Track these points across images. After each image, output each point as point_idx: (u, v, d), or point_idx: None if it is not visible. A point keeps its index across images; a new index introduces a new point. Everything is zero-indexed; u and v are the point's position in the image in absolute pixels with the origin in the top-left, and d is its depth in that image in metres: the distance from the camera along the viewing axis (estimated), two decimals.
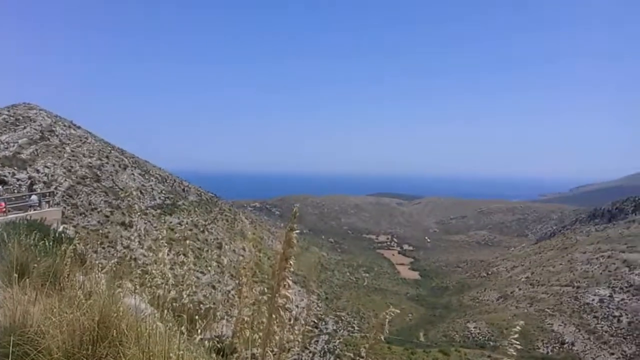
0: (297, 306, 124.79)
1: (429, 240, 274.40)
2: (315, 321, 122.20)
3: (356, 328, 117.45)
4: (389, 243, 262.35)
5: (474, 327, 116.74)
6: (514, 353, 5.55)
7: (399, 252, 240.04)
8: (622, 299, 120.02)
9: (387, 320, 6.26)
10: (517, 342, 5.63)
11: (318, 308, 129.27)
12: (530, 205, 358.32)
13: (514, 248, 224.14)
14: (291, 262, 6.16)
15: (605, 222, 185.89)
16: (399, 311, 6.65)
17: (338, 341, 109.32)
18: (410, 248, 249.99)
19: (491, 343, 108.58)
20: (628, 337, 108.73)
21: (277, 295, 6.02)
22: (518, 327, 5.74)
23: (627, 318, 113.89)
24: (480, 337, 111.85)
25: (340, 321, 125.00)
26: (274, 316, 5.97)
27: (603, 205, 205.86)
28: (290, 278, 6.16)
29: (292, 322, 7.12)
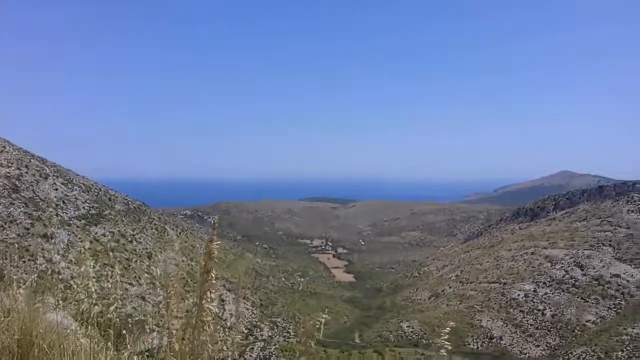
0: (231, 315, 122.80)
1: (363, 243, 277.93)
2: (251, 329, 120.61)
3: (292, 334, 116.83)
4: (323, 247, 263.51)
5: (407, 327, 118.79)
6: (445, 354, 5.78)
7: (334, 256, 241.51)
8: (546, 294, 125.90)
9: (316, 324, 6.57)
10: (448, 344, 5.90)
11: (253, 315, 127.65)
12: (459, 206, 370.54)
13: (444, 248, 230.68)
14: (213, 275, 6.14)
15: (528, 220, 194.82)
16: (327, 317, 6.73)
17: (274, 347, 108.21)
18: (345, 251, 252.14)
19: (424, 341, 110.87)
20: (552, 329, 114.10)
21: (201, 309, 6.01)
22: (448, 329, 6.10)
23: (551, 311, 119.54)
24: (414, 336, 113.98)
25: (276, 327, 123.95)
26: (200, 330, 5.98)
27: (526, 204, 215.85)
28: (214, 291, 6.13)
29: (224, 332, 7.04)
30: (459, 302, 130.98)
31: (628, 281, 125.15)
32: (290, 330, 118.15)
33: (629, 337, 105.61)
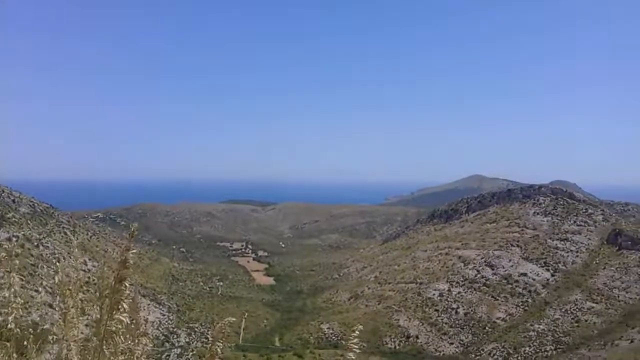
0: (146, 321, 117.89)
1: (283, 245, 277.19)
2: (167, 335, 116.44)
3: (210, 339, 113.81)
4: (243, 250, 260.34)
5: (327, 328, 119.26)
6: (353, 358, 6.02)
7: (254, 259, 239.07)
8: (459, 292, 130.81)
9: (224, 329, 6.43)
10: (356, 346, 6.14)
11: (169, 321, 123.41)
12: (377, 208, 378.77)
13: (363, 249, 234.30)
14: (127, 284, 6.01)
15: (442, 222, 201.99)
16: (235, 319, 6.66)
17: (191, 354, 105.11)
18: (265, 254, 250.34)
19: (344, 342, 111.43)
20: (465, 327, 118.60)
21: (111, 319, 5.81)
22: (357, 332, 6.28)
23: (464, 309, 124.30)
24: (334, 337, 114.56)
25: (193, 333, 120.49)
26: (107, 340, 5.80)
27: (441, 206, 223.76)
28: (127, 301, 5.99)
29: (136, 341, 6.81)
30: (377, 303, 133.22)
31: (534, 279, 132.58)
32: (208, 336, 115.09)
33: (535, 333, 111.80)
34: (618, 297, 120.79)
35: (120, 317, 5.81)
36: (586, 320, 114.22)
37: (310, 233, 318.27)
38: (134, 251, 6.04)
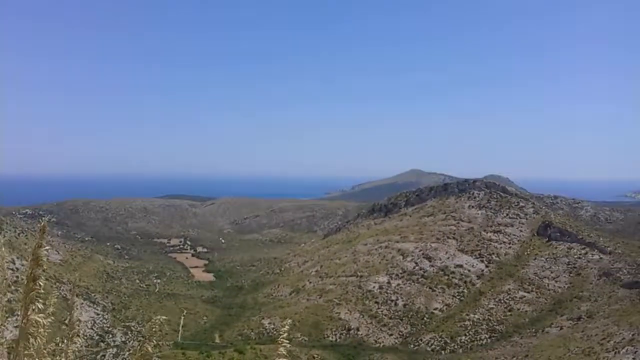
0: (79, 321, 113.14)
1: (223, 241, 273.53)
2: (102, 334, 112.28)
3: (140, 338, 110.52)
4: (181, 246, 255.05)
5: (268, 323, 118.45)
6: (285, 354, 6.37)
7: (193, 255, 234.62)
8: (398, 284, 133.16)
9: (154, 327, 6.79)
10: (287, 341, 6.58)
11: (104, 320, 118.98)
12: (318, 202, 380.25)
13: (305, 244, 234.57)
14: (41, 283, 5.89)
15: (382, 215, 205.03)
16: (166, 318, 6.73)
17: (128, 353, 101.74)
18: (205, 250, 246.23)
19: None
20: (404, 318, 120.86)
21: (26, 320, 5.61)
22: (287, 326, 6.85)
23: (403, 301, 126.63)
24: (275, 332, 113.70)
25: (129, 332, 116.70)
26: (25, 343, 5.55)
27: (380, 200, 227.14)
28: (41, 300, 5.81)
29: (67, 341, 6.78)
30: (318, 297, 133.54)
31: (469, 270, 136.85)
32: (145, 334, 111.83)
33: (471, 322, 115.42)
34: (548, 286, 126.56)
35: (36, 317, 5.60)
36: (518, 309, 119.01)
37: (251, 228, 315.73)
38: (47, 248, 5.89)
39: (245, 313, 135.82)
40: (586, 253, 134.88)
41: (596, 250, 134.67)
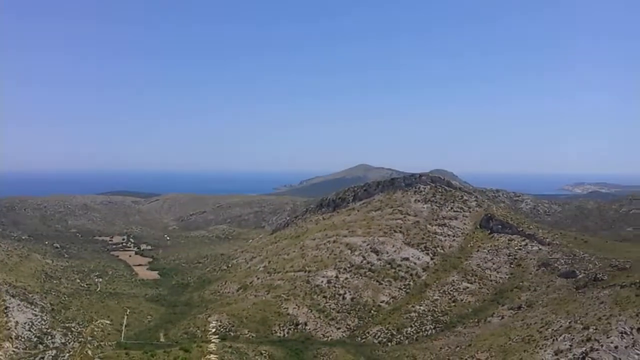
0: (16, 323, 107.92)
1: (168, 238, 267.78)
2: (40, 336, 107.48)
3: (89, 338, 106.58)
4: (124, 244, 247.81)
5: (215, 320, 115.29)
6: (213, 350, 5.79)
7: (136, 253, 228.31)
8: (346, 278, 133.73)
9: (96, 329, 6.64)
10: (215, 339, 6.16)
11: (42, 321, 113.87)
12: (266, 198, 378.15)
13: (252, 240, 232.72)
14: None
15: (330, 210, 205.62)
16: (109, 322, 5.73)
17: (68, 354, 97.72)
18: (149, 247, 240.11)
19: (232, 334, 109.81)
20: (351, 311, 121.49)
21: None
22: (212, 327, 6.82)
23: (350, 294, 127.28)
24: (222, 330, 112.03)
25: (70, 333, 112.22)
26: None
27: (329, 195, 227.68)
28: None
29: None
30: (266, 292, 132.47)
31: (415, 263, 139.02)
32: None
33: (417, 314, 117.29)
34: (490, 277, 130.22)
35: None
36: (462, 300, 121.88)
37: (197, 224, 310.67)
38: None
39: (192, 311, 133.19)
40: (526, 244, 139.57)
41: (535, 242, 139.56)
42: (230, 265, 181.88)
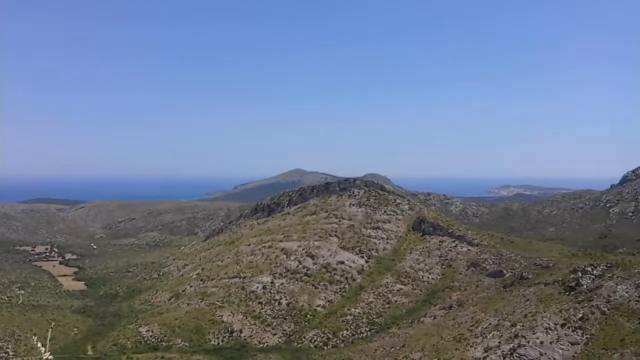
0: None
1: (95, 246, 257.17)
2: None
3: (11, 353, 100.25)
4: (48, 254, 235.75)
5: (146, 331, 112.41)
6: None
7: (61, 263, 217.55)
8: (282, 283, 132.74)
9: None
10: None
11: None
12: (199, 204, 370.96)
13: (185, 247, 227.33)
14: None
15: (265, 215, 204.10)
16: (32, 330, 4.33)
17: None
18: (75, 257, 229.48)
19: (164, 344, 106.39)
20: (287, 317, 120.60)
21: None
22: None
23: (286, 300, 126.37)
24: (153, 340, 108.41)
25: None
26: None
27: (263, 200, 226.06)
28: None
29: None
30: (200, 300, 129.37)
31: (350, 267, 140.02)
32: (8, 350, 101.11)
33: (352, 317, 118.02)
34: (422, 278, 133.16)
35: None
36: (396, 301, 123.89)
37: (126, 232, 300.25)
38: None
39: (121, 322, 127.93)
40: (456, 245, 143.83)
41: (465, 243, 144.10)
42: (161, 274, 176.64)
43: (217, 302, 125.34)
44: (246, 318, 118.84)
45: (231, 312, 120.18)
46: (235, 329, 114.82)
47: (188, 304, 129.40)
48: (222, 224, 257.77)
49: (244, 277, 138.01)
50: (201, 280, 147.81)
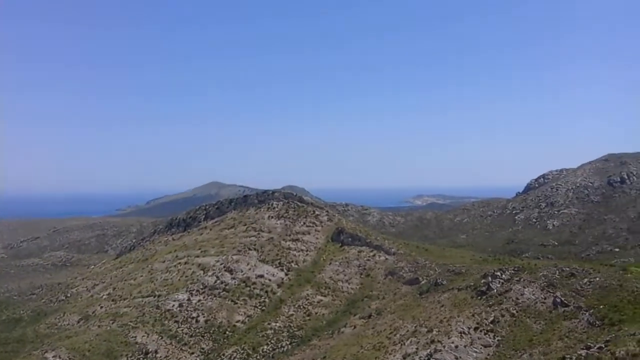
0: None
1: None
2: None
3: None
4: None
5: (53, 356, 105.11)
6: None
7: None
8: (199, 300, 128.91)
9: None
10: None
11: None
12: (110, 220, 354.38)
13: (95, 266, 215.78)
14: None
15: (181, 230, 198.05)
16: None
17: None
18: None
19: None
20: (205, 334, 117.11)
21: None
22: None
23: (204, 317, 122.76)
24: None
25: None
26: None
27: (179, 215, 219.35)
28: None
29: None
30: (111, 321, 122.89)
31: (270, 280, 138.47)
32: None
33: (273, 331, 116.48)
34: (342, 288, 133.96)
35: None
36: (316, 313, 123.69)
37: (29, 252, 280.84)
38: None
39: (25, 347, 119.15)
40: (374, 255, 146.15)
41: (382, 252, 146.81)
42: (69, 295, 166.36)
43: (130, 323, 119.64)
44: (162, 338, 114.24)
45: (145, 333, 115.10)
46: (150, 349, 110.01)
47: (99, 326, 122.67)
48: (134, 240, 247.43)
49: (159, 296, 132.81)
50: (113, 300, 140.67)
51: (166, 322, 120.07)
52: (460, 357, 73.81)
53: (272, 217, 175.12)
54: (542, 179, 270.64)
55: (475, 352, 74.55)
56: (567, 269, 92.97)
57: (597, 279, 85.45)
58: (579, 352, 48.90)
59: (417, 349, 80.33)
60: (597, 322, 71.51)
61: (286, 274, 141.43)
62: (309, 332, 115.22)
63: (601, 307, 75.23)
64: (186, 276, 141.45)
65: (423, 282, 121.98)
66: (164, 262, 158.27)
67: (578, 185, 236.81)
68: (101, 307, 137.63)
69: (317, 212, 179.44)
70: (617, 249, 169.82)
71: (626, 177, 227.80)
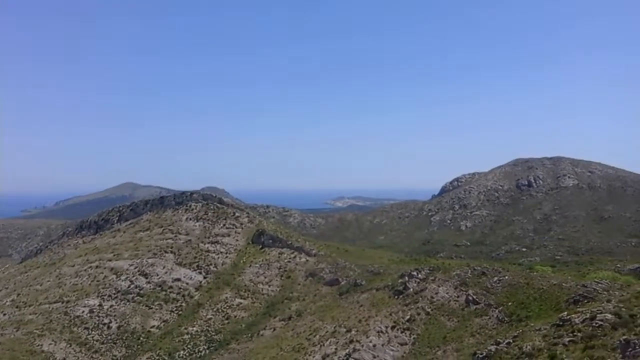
0: None
1: None
2: None
3: None
4: None
5: None
6: None
7: None
8: (112, 306, 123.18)
9: None
10: None
11: None
12: (14, 222, 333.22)
13: None
14: None
15: (92, 233, 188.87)
16: None
17: None
18: None
19: None
20: (118, 341, 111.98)
21: None
22: None
23: (117, 323, 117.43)
24: None
25: None
26: None
27: (90, 217, 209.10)
28: None
29: None
30: (15, 330, 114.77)
31: (187, 283, 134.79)
32: None
33: (189, 336, 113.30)
34: (262, 290, 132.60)
35: None
36: (235, 316, 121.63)
37: None
38: None
39: None
40: (295, 257, 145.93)
41: (303, 254, 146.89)
42: None
43: (36, 331, 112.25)
44: (70, 346, 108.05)
45: (53, 341, 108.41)
46: (57, 358, 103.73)
47: (2, 335, 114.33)
48: (41, 244, 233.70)
49: (68, 301, 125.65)
50: (17, 307, 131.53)
51: (75, 329, 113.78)
52: (377, 356, 75.02)
53: (190, 219, 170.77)
54: (456, 182, 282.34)
55: (392, 350, 76.09)
56: (479, 268, 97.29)
57: (506, 277, 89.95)
58: (489, 348, 51.01)
59: (336, 349, 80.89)
60: (505, 319, 75.23)
61: (204, 277, 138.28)
62: (227, 336, 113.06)
63: (509, 304, 79.23)
64: (97, 281, 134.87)
65: (343, 282, 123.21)
66: (73, 266, 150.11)
67: (489, 188, 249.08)
68: (4, 315, 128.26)
69: (237, 214, 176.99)
70: (524, 249, 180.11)
71: (533, 181, 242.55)
